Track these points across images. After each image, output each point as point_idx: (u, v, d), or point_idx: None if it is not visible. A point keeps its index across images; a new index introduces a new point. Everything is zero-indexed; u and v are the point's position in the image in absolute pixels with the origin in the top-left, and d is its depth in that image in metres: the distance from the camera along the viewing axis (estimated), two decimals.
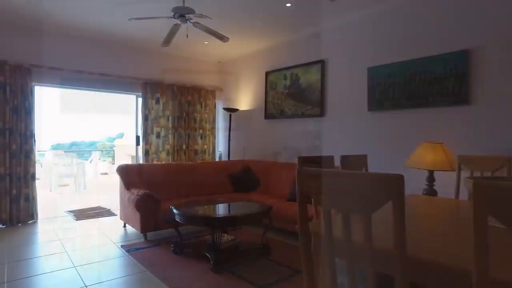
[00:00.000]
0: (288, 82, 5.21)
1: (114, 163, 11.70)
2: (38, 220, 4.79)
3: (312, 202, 1.21)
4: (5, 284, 2.79)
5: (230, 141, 6.12)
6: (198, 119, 6.30)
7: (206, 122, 6.43)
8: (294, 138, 5.17)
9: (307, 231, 1.24)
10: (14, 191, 4.53)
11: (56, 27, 4.74)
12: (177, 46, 5.57)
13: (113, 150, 12.15)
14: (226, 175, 5.29)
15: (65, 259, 3.33)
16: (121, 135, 13.96)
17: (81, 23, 4.58)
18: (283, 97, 5.29)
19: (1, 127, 4.46)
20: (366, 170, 2.57)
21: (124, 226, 4.51)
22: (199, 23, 3.86)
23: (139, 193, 3.93)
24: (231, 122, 6.11)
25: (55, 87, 5.11)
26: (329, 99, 4.63)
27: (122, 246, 3.71)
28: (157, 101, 5.83)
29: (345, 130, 4.41)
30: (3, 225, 4.48)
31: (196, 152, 6.27)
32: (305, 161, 2.16)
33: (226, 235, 3.69)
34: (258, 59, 5.87)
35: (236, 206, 3.89)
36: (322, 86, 4.67)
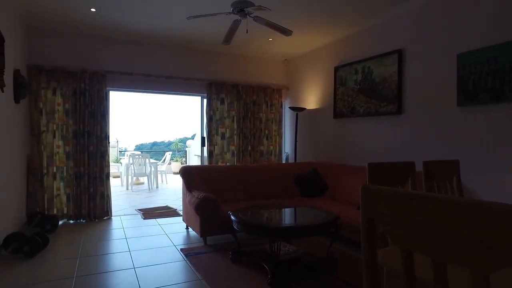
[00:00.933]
0: (359, 77, 4.69)
1: (186, 163, 12.17)
2: (112, 217, 5.04)
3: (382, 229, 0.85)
4: (74, 279, 2.88)
5: (297, 142, 5.78)
6: (263, 119, 6.09)
7: (272, 122, 6.19)
8: (367, 139, 4.63)
9: (375, 265, 0.88)
10: (91, 189, 4.82)
11: (126, 35, 4.93)
12: (241, 45, 5.43)
13: (186, 151, 12.65)
14: (292, 178, 4.97)
15: (127, 259, 3.36)
16: (193, 136, 14.55)
17: (147, 30, 4.69)
18: (354, 94, 4.79)
19: (81, 130, 4.77)
20: (459, 179, 2.03)
21: (187, 228, 4.48)
22: (259, 17, 3.62)
23: (199, 196, 3.83)
24: (298, 122, 5.77)
25: (126, 91, 5.34)
26: (407, 94, 4.01)
27: (181, 249, 3.64)
28: (222, 102, 5.76)
29: (427, 130, 3.77)
30: (83, 219, 4.79)
31: (261, 153, 6.07)
32: (378, 169, 1.74)
33: (287, 244, 3.37)
34: (325, 54, 5.43)
35: (299, 214, 3.55)
36: (399, 80, 4.07)
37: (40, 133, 4.60)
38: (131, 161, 7.50)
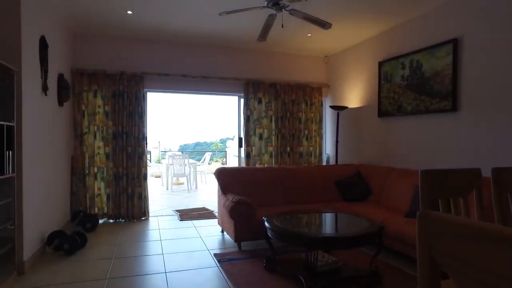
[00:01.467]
0: (406, 72, 4.28)
1: (226, 164, 12.18)
2: (149, 218, 5.07)
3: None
4: (106, 280, 2.85)
5: (338, 143, 5.45)
6: (303, 119, 5.83)
7: (312, 122, 5.90)
8: (415, 139, 4.21)
9: None
10: (129, 190, 4.87)
11: (162, 35, 4.92)
12: (278, 42, 5.22)
13: (225, 151, 12.66)
14: (333, 181, 4.66)
15: (160, 262, 3.29)
16: (234, 137, 14.60)
17: (181, 29, 4.63)
18: (401, 90, 4.38)
19: (120, 131, 4.84)
20: None
21: (222, 231, 4.35)
22: (295, 10, 3.39)
23: (234, 199, 3.68)
24: (339, 122, 5.44)
25: (163, 91, 5.35)
26: (465, 89, 3.56)
27: (215, 254, 3.51)
28: (259, 101, 5.59)
29: (492, 129, 3.30)
30: (122, 219, 4.86)
31: (301, 154, 5.80)
32: (433, 178, 1.43)
33: (326, 254, 3.10)
34: (369, 48, 5.05)
35: (340, 222, 3.27)
36: (454, 72, 3.62)
37: (83, 134, 4.73)
38: (170, 162, 7.58)
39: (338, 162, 5.51)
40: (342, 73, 5.74)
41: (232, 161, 11.05)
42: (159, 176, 9.53)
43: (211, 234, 4.30)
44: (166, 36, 5.00)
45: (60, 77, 4.13)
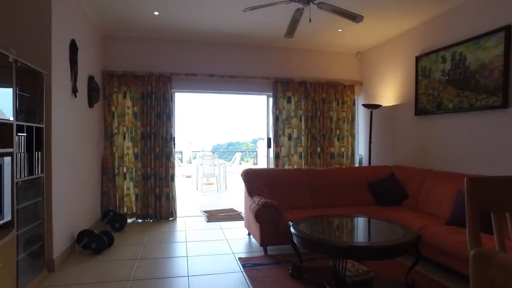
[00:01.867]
0: (447, 66, 3.92)
1: (256, 164, 12.08)
2: (177, 218, 5.05)
3: None
4: (129, 282, 2.82)
5: (371, 143, 5.15)
6: (334, 118, 5.57)
7: (343, 122, 5.63)
8: (457, 139, 3.84)
9: None
10: (157, 190, 4.88)
11: (189, 35, 4.89)
12: (308, 38, 5.02)
13: (256, 151, 12.56)
14: (365, 184, 4.39)
15: (183, 265, 3.22)
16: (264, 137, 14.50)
17: (208, 29, 4.57)
18: (441, 86, 4.02)
19: (148, 132, 4.86)
20: None
21: (248, 234, 4.23)
22: (324, 2, 3.19)
23: (260, 202, 3.54)
24: (373, 121, 5.14)
25: (190, 92, 5.32)
26: None
27: (240, 258, 3.39)
28: (289, 100, 5.41)
29: None
30: (150, 219, 4.88)
31: (332, 155, 5.56)
32: (484, 187, 1.18)
33: (356, 263, 2.88)
34: (405, 42, 4.71)
35: (373, 229, 3.02)
36: (506, 64, 3.25)
37: (113, 135, 4.80)
38: (200, 162, 7.59)
39: (371, 164, 5.20)
40: (376, 70, 5.42)
41: (262, 162, 10.92)
42: (190, 176, 9.61)
43: (237, 237, 4.19)
44: (193, 36, 4.96)
45: (90, 79, 4.20)
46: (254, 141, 15.38)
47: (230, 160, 13.15)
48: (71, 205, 3.54)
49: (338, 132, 5.61)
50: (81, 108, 3.94)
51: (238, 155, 9.61)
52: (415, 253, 2.59)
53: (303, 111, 5.43)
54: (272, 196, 3.98)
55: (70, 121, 3.54)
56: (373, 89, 5.49)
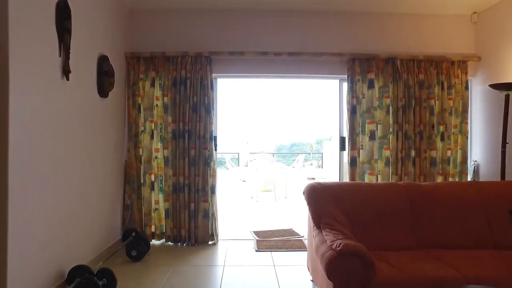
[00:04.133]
0: None
1: (321, 167, 10.33)
2: (218, 242, 3.68)
3: None
4: None
5: (507, 144, 3.21)
6: (436, 108, 3.72)
7: (450, 114, 3.74)
8: None
9: None
10: (192, 205, 3.57)
11: (235, 4, 3.50)
12: None
13: (321, 153, 10.78)
14: (504, 210, 2.56)
15: None
16: (330, 137, 12.54)
17: None
18: None
19: (181, 129, 3.58)
20: None
21: (312, 281, 2.67)
22: None
23: (336, 245, 1.96)
24: (509, 111, 3.20)
25: (236, 76, 3.92)
26: None
27: None
28: (371, 85, 3.70)
29: None
30: (183, 243, 3.59)
31: (432, 161, 3.71)
32: None
33: None
34: None
35: None
36: None
37: (139, 133, 3.61)
38: (255, 166, 6.20)
39: (506, 177, 3.26)
40: (503, 37, 3.44)
41: (330, 167, 9.15)
42: (245, 181, 8.28)
43: (296, 283, 2.67)
44: (239, 3, 3.56)
45: (102, 60, 3.03)
46: (319, 142, 13.59)
47: (291, 163, 11.60)
48: (54, 232, 2.35)
49: (442, 128, 3.74)
50: (83, 97, 2.75)
51: (301, 157, 8.03)
52: None
53: (391, 100, 3.67)
54: (352, 228, 2.39)
55: (55, 112, 2.36)
56: (500, 65, 3.52)
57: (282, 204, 6.14)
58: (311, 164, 9.95)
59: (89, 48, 2.86)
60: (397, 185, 2.74)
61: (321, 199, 2.52)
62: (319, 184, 2.66)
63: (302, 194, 2.65)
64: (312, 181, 2.69)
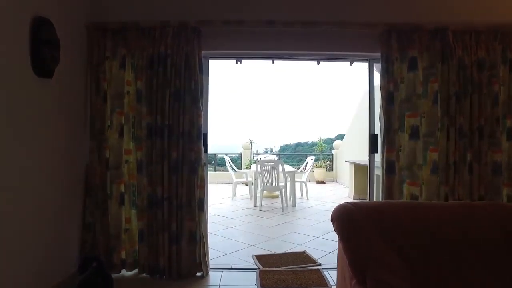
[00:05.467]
0: None
1: (332, 170, 9.29)
2: (208, 274, 2.71)
3: None
4: None
5: None
6: (502, 96, 2.67)
7: None
8: None
9: None
10: (173, 225, 2.60)
11: None
12: None
13: (332, 155, 9.73)
14: None
15: None
16: (341, 136, 11.44)
17: None
18: None
19: (159, 123, 2.62)
20: None
21: None
22: None
23: None
24: None
25: (233, 56, 2.94)
26: None
27: None
28: (412, 65, 2.68)
29: None
30: (161, 275, 2.61)
31: (496, 167, 2.66)
32: None
33: None
34: None
35: None
36: None
37: (104, 130, 2.65)
38: (259, 170, 5.21)
39: None
40: None
41: (343, 170, 8.13)
42: (247, 184, 7.28)
43: None
44: None
45: (39, 24, 2.07)
46: (327, 141, 12.49)
47: (296, 164, 10.57)
48: None
49: (509, 123, 2.70)
50: (17, 79, 1.83)
51: (310, 160, 6.97)
52: None
53: (440, 85, 2.65)
54: (416, 280, 1.41)
55: None
56: None
57: (291, 214, 5.14)
58: (321, 166, 8.92)
59: (16, 4, 1.92)
60: (479, 205, 1.74)
61: (362, 232, 1.53)
62: (356, 206, 1.67)
63: (332, 222, 1.66)
64: (344, 203, 1.70)
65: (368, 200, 2.93)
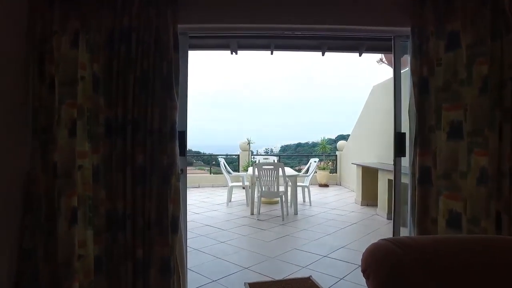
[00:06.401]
0: None
1: (335, 172, 8.63)
2: None
3: None
4: None
5: None
6: None
7: None
8: None
9: None
10: (139, 252, 1.96)
11: None
12: None
13: (336, 155, 9.05)
14: None
15: None
16: (342, 137, 10.77)
17: None
18: None
19: (120, 118, 1.98)
20: None
21: None
22: None
23: None
24: None
25: (217, 33, 2.27)
26: None
27: None
28: (453, 43, 2.02)
29: None
30: None
31: None
32: None
33: None
34: None
35: None
36: None
37: (51, 126, 2.01)
38: (256, 174, 4.55)
39: None
40: None
41: (348, 172, 7.46)
42: (244, 188, 6.61)
43: None
44: None
45: None
46: (330, 141, 11.79)
47: (295, 165, 9.89)
48: None
49: None
50: None
51: (313, 162, 6.29)
52: None
53: (491, 68, 2.00)
54: None
55: None
56: None
57: (292, 224, 4.49)
58: (324, 169, 8.25)
59: None
60: None
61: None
62: (400, 246, 1.01)
63: (362, 273, 1.01)
64: (382, 241, 1.04)
65: (393, 218, 2.26)
